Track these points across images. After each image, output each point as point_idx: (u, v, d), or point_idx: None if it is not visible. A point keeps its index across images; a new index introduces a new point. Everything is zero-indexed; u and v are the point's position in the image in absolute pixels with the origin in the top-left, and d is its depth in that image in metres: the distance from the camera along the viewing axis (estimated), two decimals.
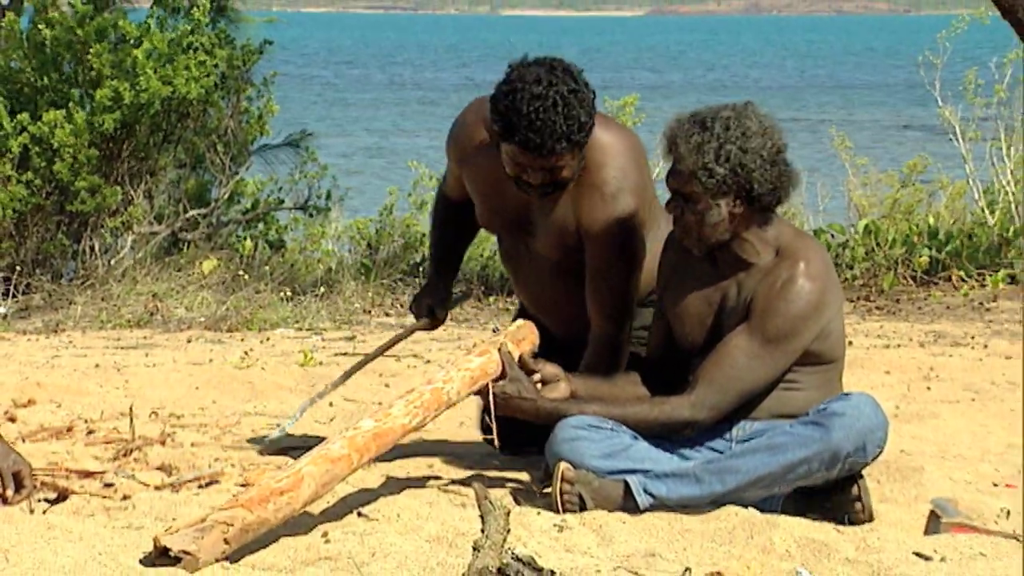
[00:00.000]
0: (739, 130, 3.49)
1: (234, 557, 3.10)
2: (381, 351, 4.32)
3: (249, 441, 4.35)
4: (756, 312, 3.52)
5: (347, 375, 4.25)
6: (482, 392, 3.61)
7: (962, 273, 7.55)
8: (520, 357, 3.70)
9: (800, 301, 3.52)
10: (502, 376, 3.63)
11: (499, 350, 3.64)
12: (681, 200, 3.56)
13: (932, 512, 3.46)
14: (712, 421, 3.56)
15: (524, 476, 3.91)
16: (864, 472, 3.58)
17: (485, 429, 3.70)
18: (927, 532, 3.42)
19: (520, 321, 3.91)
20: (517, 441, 4.05)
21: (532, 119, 3.69)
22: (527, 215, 3.98)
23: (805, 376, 3.58)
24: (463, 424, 4.51)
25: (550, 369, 3.69)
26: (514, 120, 3.72)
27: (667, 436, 3.61)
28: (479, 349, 3.67)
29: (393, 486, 3.84)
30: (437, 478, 3.95)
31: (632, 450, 3.58)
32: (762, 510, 3.48)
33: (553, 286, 4.04)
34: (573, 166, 3.81)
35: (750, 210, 3.53)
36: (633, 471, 3.54)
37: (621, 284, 3.87)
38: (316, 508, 3.55)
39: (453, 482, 3.87)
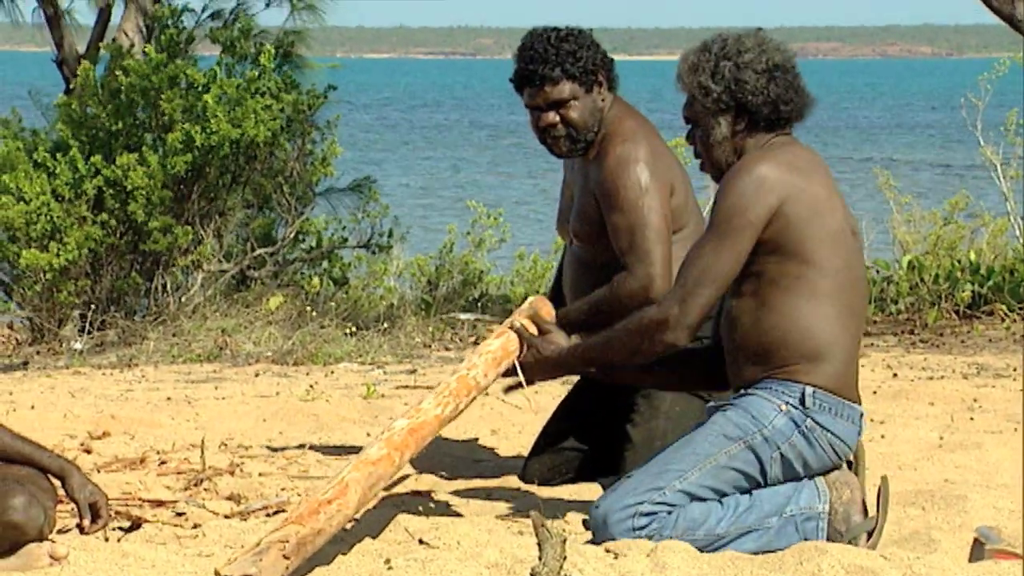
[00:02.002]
0: (735, 47, 3.48)
1: None
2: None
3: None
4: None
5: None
6: (510, 371, 3.69)
7: (1004, 307, 7.52)
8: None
9: (737, 183, 3.39)
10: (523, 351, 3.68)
11: (512, 328, 3.71)
12: (693, 128, 3.55)
13: (976, 539, 3.46)
14: (687, 318, 3.39)
15: (580, 505, 3.95)
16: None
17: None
18: (971, 559, 3.42)
19: (531, 298, 3.99)
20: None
21: (526, 54, 4.01)
22: (571, 204, 4.14)
23: (771, 266, 3.39)
24: (519, 455, 4.58)
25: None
26: (516, 64, 4.04)
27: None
28: (496, 332, 3.75)
29: (453, 514, 3.89)
30: (496, 507, 4.00)
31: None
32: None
33: (584, 282, 4.10)
34: (581, 108, 3.99)
35: (753, 128, 3.49)
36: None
37: (634, 237, 3.92)
38: (379, 535, 3.62)
39: (511, 510, 3.92)
